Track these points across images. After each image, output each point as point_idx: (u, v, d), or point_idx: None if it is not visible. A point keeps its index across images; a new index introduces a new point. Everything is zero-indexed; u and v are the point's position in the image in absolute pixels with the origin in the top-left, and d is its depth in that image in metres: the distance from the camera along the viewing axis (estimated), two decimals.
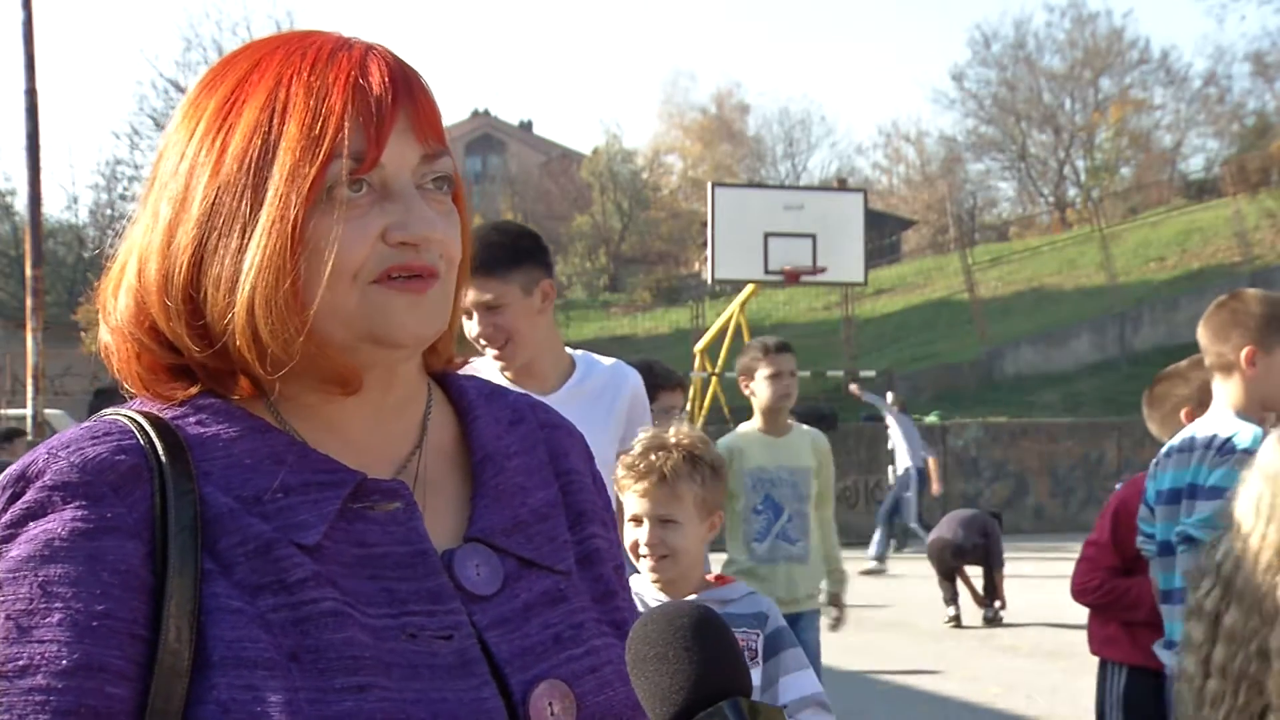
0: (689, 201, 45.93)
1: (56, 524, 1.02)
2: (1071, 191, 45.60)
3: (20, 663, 0.99)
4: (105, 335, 1.16)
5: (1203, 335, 3.54)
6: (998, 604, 10.78)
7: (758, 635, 2.67)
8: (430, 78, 1.18)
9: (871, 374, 22.38)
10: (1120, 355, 25.20)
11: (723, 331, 18.45)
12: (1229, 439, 3.34)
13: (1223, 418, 3.44)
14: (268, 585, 1.04)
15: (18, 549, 1.02)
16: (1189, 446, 3.48)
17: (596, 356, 3.44)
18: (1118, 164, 44.79)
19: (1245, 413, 3.43)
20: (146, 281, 1.11)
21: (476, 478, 1.19)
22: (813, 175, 49.79)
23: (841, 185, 25.65)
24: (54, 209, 44.75)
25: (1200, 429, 3.50)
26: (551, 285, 3.21)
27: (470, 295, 3.09)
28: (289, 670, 1.01)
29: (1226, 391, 3.48)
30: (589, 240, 46.22)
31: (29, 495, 1.04)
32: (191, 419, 1.10)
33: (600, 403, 3.27)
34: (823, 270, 17.19)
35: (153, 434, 1.07)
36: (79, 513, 1.02)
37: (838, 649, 9.77)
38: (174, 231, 1.09)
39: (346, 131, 1.06)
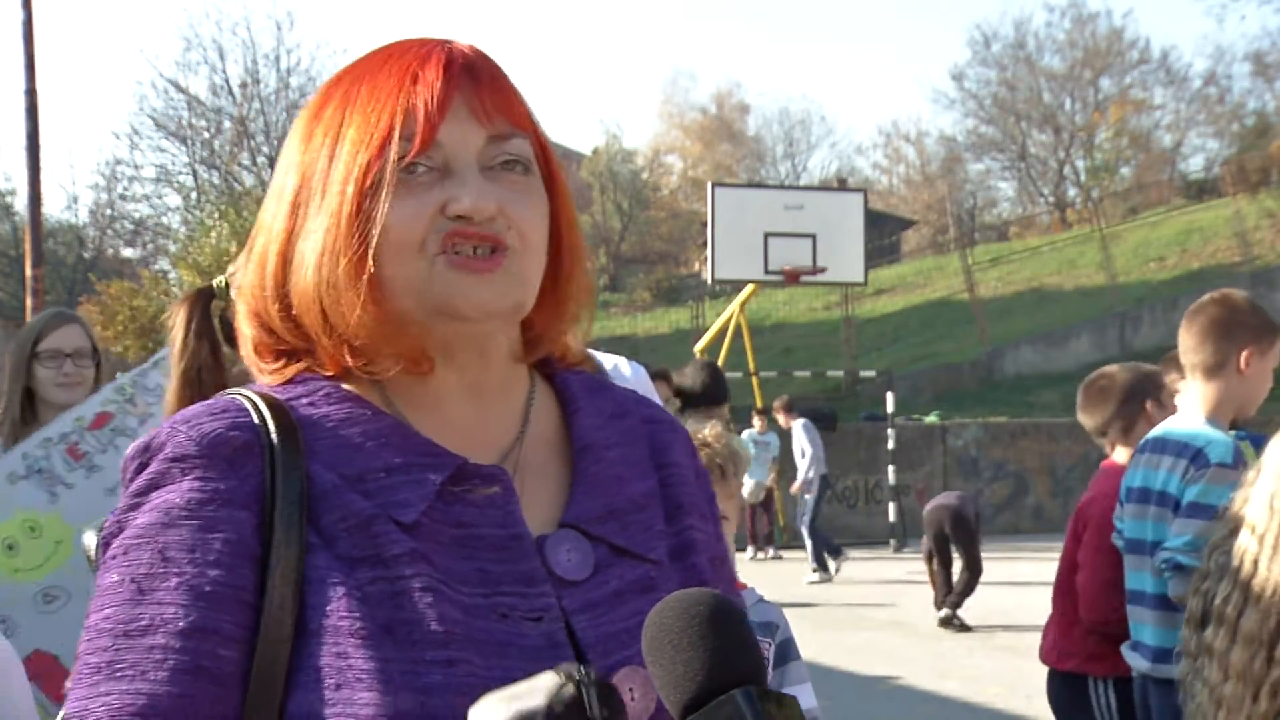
0: (689, 201, 45.95)
1: (175, 494, 1.10)
2: (1071, 191, 45.63)
3: (142, 622, 1.06)
4: (238, 321, 1.25)
5: (1189, 334, 3.51)
6: (959, 611, 10.77)
7: (769, 644, 2.66)
8: None
9: (871, 374, 22.39)
10: (1120, 355, 25.16)
11: (723, 331, 18.45)
12: (1201, 450, 3.33)
13: (1194, 423, 3.44)
14: (366, 559, 1.09)
15: (142, 516, 1.10)
16: (1160, 448, 3.48)
17: (602, 357, 3.43)
18: (1118, 164, 44.81)
19: (1216, 418, 3.43)
20: (253, 267, 1.21)
21: (575, 466, 1.23)
22: (813, 175, 49.84)
23: (841, 185, 25.67)
24: (54, 209, 44.80)
25: (1173, 429, 3.49)
26: None
27: None
28: (382, 641, 1.06)
29: (1202, 395, 3.46)
30: (589, 240, 45.27)
31: (152, 466, 1.12)
32: (304, 400, 1.17)
33: None
34: (823, 270, 17.19)
35: (266, 413, 1.14)
36: (196, 484, 1.10)
37: (838, 649, 9.79)
38: (272, 220, 1.20)
39: (401, 117, 1.14)
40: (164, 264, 33.68)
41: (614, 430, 1.27)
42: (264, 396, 1.16)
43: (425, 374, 1.18)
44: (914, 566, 13.87)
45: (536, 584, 1.13)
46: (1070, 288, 30.13)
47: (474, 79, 1.17)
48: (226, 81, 38.15)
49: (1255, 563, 1.82)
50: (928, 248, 42.10)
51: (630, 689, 1.12)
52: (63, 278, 37.57)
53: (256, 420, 1.13)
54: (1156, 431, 3.59)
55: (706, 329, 21.42)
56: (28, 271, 17.23)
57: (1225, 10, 68.69)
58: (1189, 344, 3.51)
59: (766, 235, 16.84)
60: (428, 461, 1.14)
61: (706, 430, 2.77)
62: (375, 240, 1.12)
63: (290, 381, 1.19)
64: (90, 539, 1.23)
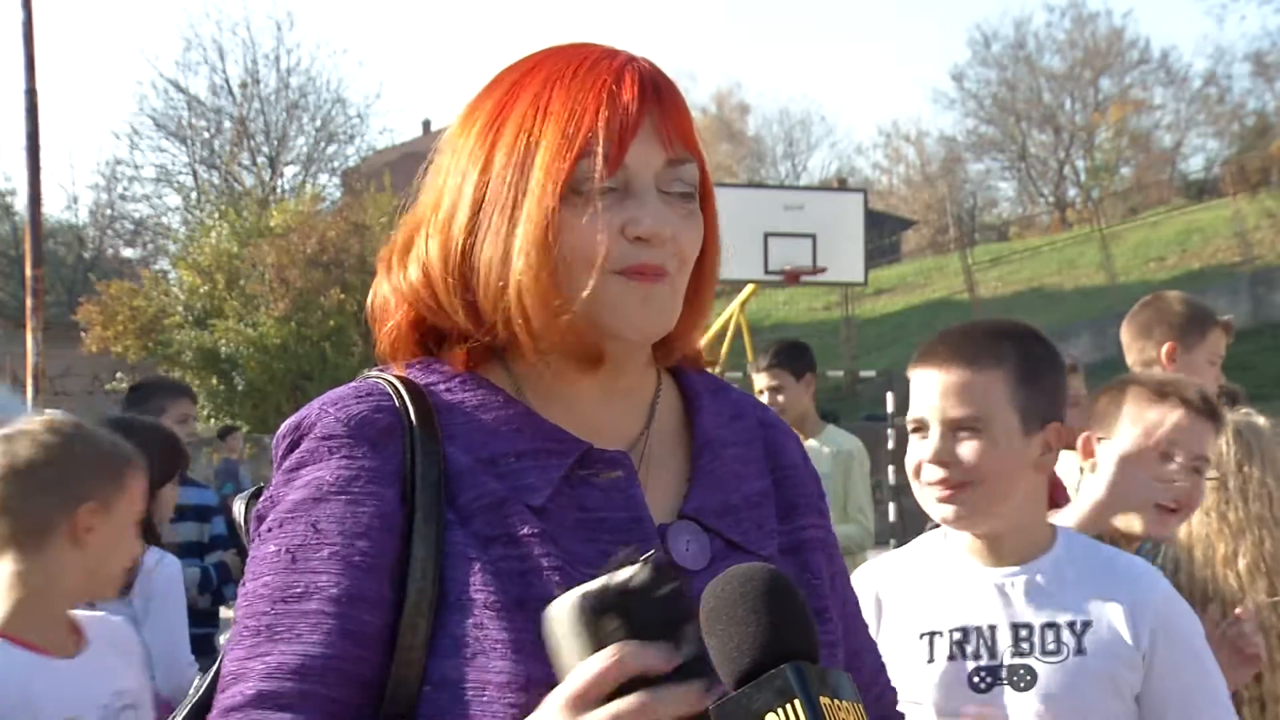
0: None
1: (325, 471, 1.18)
2: (1071, 191, 45.63)
3: (298, 589, 1.14)
4: (384, 291, 1.30)
5: (1125, 334, 3.64)
6: None
7: None
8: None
9: (871, 374, 22.37)
10: (1120, 355, 25.15)
11: (723, 331, 18.45)
12: None
13: None
14: (498, 538, 1.16)
15: (294, 492, 1.18)
16: None
17: None
18: (1118, 164, 44.79)
19: None
20: (431, 257, 1.25)
21: (694, 462, 1.29)
22: (813, 175, 49.84)
23: (841, 185, 25.66)
24: (54, 209, 44.80)
25: None
26: None
27: None
28: (515, 614, 1.13)
29: None
30: None
31: (303, 445, 1.20)
32: (442, 386, 1.24)
33: None
34: (823, 270, 17.17)
35: (407, 397, 1.21)
36: (344, 461, 1.18)
37: None
38: (453, 215, 1.24)
39: (598, 133, 1.18)
40: (164, 264, 33.67)
41: (732, 430, 1.33)
42: (404, 381, 1.24)
43: (594, 370, 1.24)
44: None
45: None
46: (1070, 288, 30.12)
47: (660, 101, 1.22)
48: (226, 81, 38.19)
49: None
50: (928, 248, 42.08)
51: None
52: (63, 278, 37.56)
53: (398, 404, 1.21)
54: None
55: (707, 329, 21.38)
56: (28, 271, 17.22)
57: (1225, 10, 68.79)
58: (1125, 346, 3.70)
59: (766, 235, 16.82)
60: (554, 447, 1.21)
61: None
62: (578, 253, 1.18)
63: (427, 368, 1.26)
64: (239, 507, 1.30)
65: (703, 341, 1.41)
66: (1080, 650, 1.85)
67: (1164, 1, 75.90)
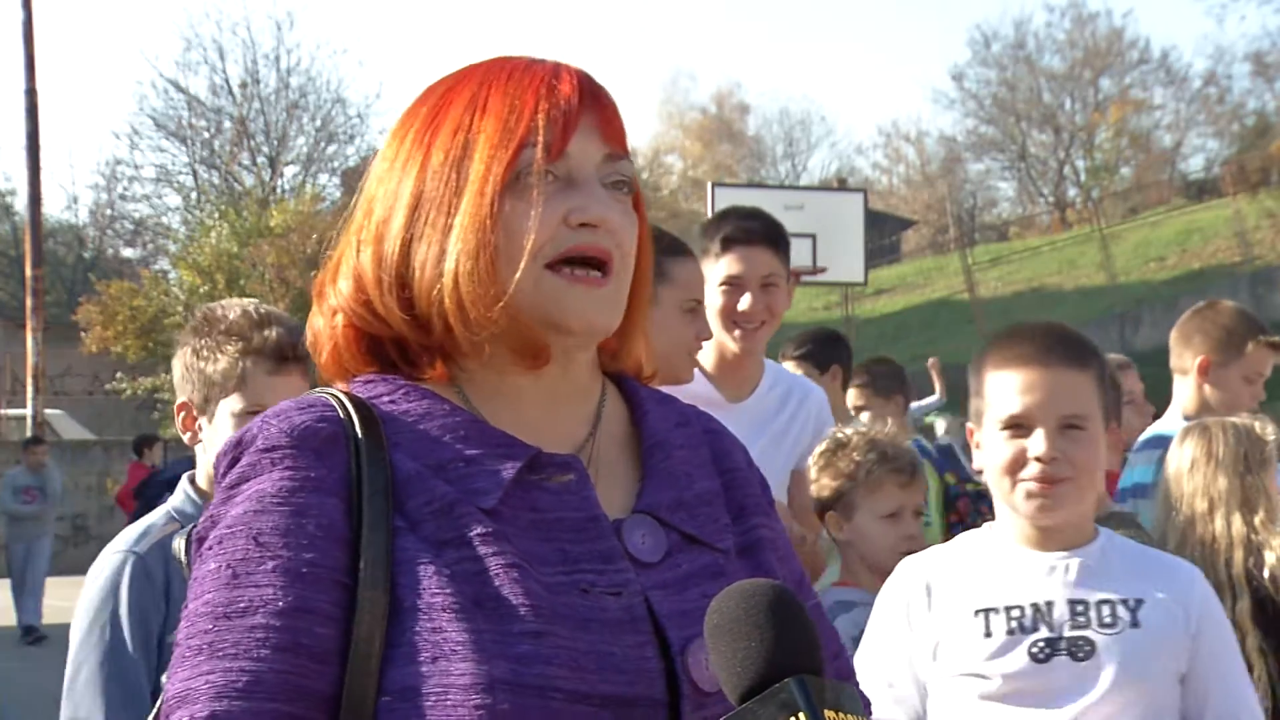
0: (689, 201, 45.94)
1: (267, 483, 1.15)
2: (1071, 191, 45.62)
3: (241, 604, 1.11)
4: (316, 320, 1.30)
5: (1171, 338, 3.69)
6: None
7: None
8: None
9: None
10: (1120, 354, 25.18)
11: None
12: (1167, 437, 3.42)
13: (1170, 423, 3.55)
14: (450, 541, 1.14)
15: (235, 508, 1.15)
16: (1142, 447, 3.62)
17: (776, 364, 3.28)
18: (1118, 164, 44.79)
19: (1197, 416, 3.51)
20: (363, 264, 1.25)
21: (646, 461, 1.29)
22: (813, 175, 49.84)
23: (841, 185, 25.64)
24: (54, 209, 44.82)
25: (1156, 429, 3.65)
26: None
27: (743, 268, 2.97)
28: (473, 615, 1.11)
29: (1178, 395, 3.61)
30: None
31: (244, 459, 1.18)
32: (385, 398, 1.23)
33: (784, 412, 3.11)
34: (823, 270, 17.18)
35: (350, 408, 1.20)
36: (287, 473, 1.16)
37: None
38: (388, 220, 1.24)
39: (539, 124, 1.20)
40: (164, 264, 33.65)
41: (680, 434, 1.33)
42: (346, 394, 1.23)
43: (540, 368, 1.23)
44: None
45: (614, 560, 1.18)
46: (1070, 288, 30.12)
47: (597, 100, 1.24)
48: (226, 81, 38.19)
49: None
50: (928, 248, 42.09)
51: (705, 659, 1.15)
52: (63, 278, 37.59)
53: (342, 414, 1.19)
54: (1146, 433, 3.73)
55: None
56: (28, 271, 17.24)
57: (1225, 10, 68.67)
58: (1170, 349, 3.68)
59: None
60: (502, 451, 1.20)
61: (889, 429, 2.87)
62: (522, 241, 1.18)
63: (370, 382, 1.25)
64: (179, 544, 1.28)
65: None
66: (1135, 624, 1.94)
67: (1164, 1, 75.95)
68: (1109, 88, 45.99)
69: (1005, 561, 2.02)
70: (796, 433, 3.09)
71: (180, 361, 2.37)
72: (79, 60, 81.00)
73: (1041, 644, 1.93)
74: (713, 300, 2.93)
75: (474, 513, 1.15)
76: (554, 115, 1.20)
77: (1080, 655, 1.92)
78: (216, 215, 26.84)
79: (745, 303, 2.95)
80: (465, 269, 1.18)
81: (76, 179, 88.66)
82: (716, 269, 2.97)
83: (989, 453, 2.03)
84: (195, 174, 38.19)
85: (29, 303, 17.13)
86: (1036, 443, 1.96)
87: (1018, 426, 1.98)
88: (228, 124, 37.94)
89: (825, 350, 5.09)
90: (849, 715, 0.95)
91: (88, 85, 78.14)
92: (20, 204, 35.27)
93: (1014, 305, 29.80)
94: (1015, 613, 1.96)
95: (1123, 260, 30.36)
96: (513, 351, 1.22)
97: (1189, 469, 2.74)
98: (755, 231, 3.02)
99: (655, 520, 1.24)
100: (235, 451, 1.19)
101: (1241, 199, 30.75)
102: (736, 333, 2.97)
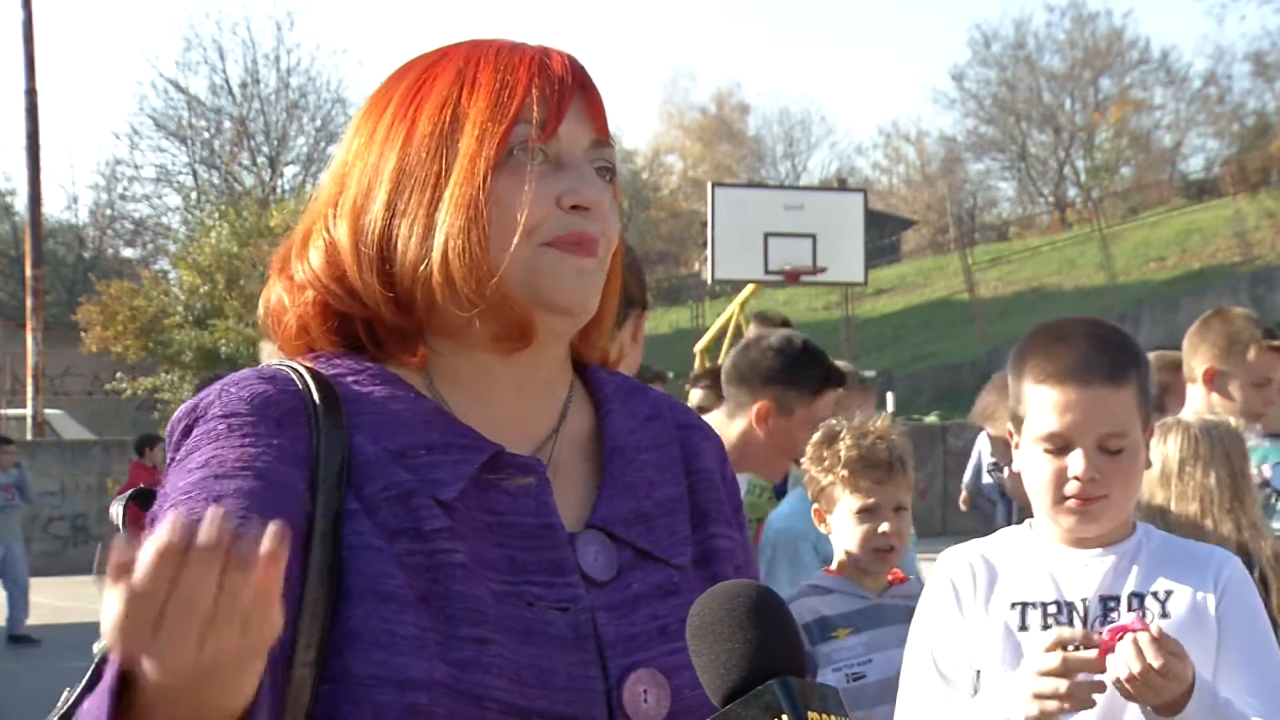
0: (689, 201, 45.94)
1: (226, 449, 1.10)
2: (1071, 191, 45.61)
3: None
4: (275, 292, 1.24)
5: (1183, 346, 3.68)
6: None
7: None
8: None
9: (872, 374, 22.36)
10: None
11: (723, 331, 18.44)
12: None
13: None
14: (405, 531, 1.11)
15: (191, 476, 1.09)
16: None
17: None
18: (1118, 164, 44.78)
19: None
20: (338, 239, 1.20)
21: (605, 468, 1.24)
22: (813, 175, 49.85)
23: (841, 185, 25.65)
24: (54, 209, 44.82)
25: None
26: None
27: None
28: (419, 610, 1.07)
29: (1193, 402, 3.60)
30: None
31: (199, 428, 1.12)
32: (349, 378, 1.18)
33: None
34: (823, 270, 17.16)
35: (311, 383, 1.16)
36: (247, 439, 1.11)
37: None
38: (368, 193, 1.19)
39: (532, 99, 1.17)
40: (164, 264, 33.67)
41: (646, 433, 1.29)
42: (309, 370, 1.18)
43: (520, 350, 1.19)
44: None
45: (565, 574, 1.15)
46: (1070, 288, 30.12)
47: (583, 84, 1.22)
48: (226, 81, 38.21)
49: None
50: (928, 248, 42.10)
51: (644, 690, 1.13)
52: (63, 278, 37.57)
53: (302, 388, 1.15)
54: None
55: (706, 329, 21.41)
56: (28, 271, 17.24)
57: (1225, 10, 68.67)
58: (1183, 354, 3.70)
59: (766, 235, 16.81)
60: (465, 443, 1.16)
61: (880, 422, 2.81)
62: (514, 220, 1.15)
63: (334, 360, 1.20)
64: (116, 510, 1.18)
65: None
66: (1165, 615, 1.98)
67: (1164, 1, 75.95)
68: (1109, 88, 46.00)
69: (1043, 558, 2.05)
70: None
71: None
72: (79, 60, 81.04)
73: (1075, 643, 1.94)
74: None
75: (431, 505, 1.12)
76: (548, 93, 1.17)
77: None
78: (216, 215, 26.82)
79: None
80: (456, 246, 1.14)
81: (76, 179, 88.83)
82: None
83: (1027, 466, 2.04)
84: (195, 174, 38.22)
85: (29, 303, 17.12)
86: (1075, 463, 1.97)
87: (1056, 444, 1.99)
88: (228, 124, 37.97)
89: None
90: (832, 716, 0.95)
91: (88, 85, 78.20)
92: (20, 204, 35.29)
93: (1014, 305, 29.81)
94: (1051, 609, 1.99)
95: (1122, 260, 30.37)
96: (495, 332, 1.18)
97: (1177, 470, 2.72)
98: None
99: (608, 536, 1.19)
100: (190, 419, 1.14)
101: (1241, 199, 30.75)
102: None
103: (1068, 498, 1.98)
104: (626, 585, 1.18)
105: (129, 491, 1.17)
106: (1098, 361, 2.00)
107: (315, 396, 1.14)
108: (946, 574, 2.08)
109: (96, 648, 1.12)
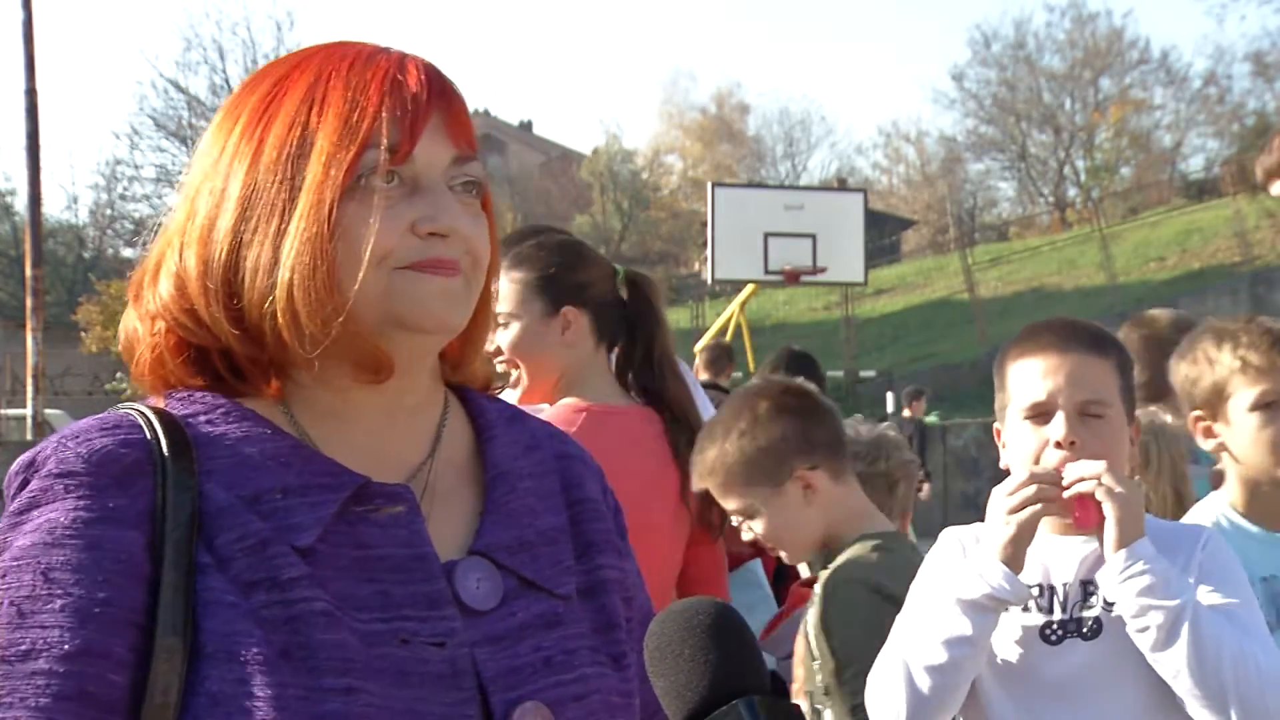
0: (689, 201, 45.92)
1: (59, 512, 1.04)
2: (1071, 191, 45.59)
3: (23, 647, 1.00)
4: (132, 321, 1.19)
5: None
6: None
7: None
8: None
9: (871, 374, 22.38)
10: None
11: (723, 331, 18.44)
12: None
13: None
14: (261, 582, 1.05)
15: (23, 538, 1.04)
16: None
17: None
18: (1118, 164, 44.75)
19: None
20: (186, 267, 1.14)
21: (488, 494, 1.20)
22: (813, 175, 49.83)
23: (841, 185, 25.65)
24: (54, 209, 44.82)
25: None
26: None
27: None
28: (279, 666, 1.02)
29: None
30: (589, 240, 45.75)
31: (35, 483, 1.06)
32: (202, 418, 1.12)
33: None
34: (823, 270, 17.17)
35: (160, 430, 1.09)
36: (81, 502, 1.04)
37: None
38: (214, 220, 1.13)
39: (383, 123, 1.10)
40: None
41: (527, 461, 1.25)
42: (159, 412, 1.12)
43: (381, 382, 1.14)
44: None
45: (440, 607, 1.10)
46: (1070, 288, 30.11)
47: (444, 95, 1.15)
48: (226, 81, 38.23)
49: None
50: (928, 248, 42.07)
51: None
52: (63, 278, 37.57)
53: (149, 437, 1.09)
54: None
55: (706, 329, 21.42)
56: (28, 271, 17.22)
57: (1225, 10, 68.70)
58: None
59: (766, 235, 16.82)
60: (326, 482, 1.10)
61: (883, 428, 2.85)
62: (364, 249, 1.09)
63: (188, 399, 1.14)
64: None
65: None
66: None
67: (1164, 1, 75.94)
68: (1109, 88, 45.98)
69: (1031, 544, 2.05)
70: None
71: None
72: (79, 60, 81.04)
73: (1055, 626, 1.97)
74: None
75: (288, 552, 1.06)
76: (400, 114, 1.11)
77: (1089, 635, 1.96)
78: None
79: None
80: (300, 281, 1.08)
81: (76, 179, 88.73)
82: None
83: (1012, 444, 2.06)
84: None
85: (29, 303, 17.11)
86: (1056, 427, 1.97)
87: (1039, 415, 2.00)
88: None
89: (799, 372, 4.75)
90: None
91: (88, 85, 78.19)
92: (20, 204, 35.32)
93: (1014, 305, 29.80)
94: (1034, 590, 2.00)
95: (1123, 260, 30.36)
96: (352, 365, 1.13)
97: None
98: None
99: (492, 563, 1.15)
100: (25, 474, 1.08)
101: (1241, 199, 30.73)
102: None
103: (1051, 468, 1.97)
104: (510, 615, 1.14)
105: None
106: (1075, 333, 2.03)
107: (163, 445, 1.08)
108: (945, 548, 2.11)
109: None
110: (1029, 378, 2.02)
